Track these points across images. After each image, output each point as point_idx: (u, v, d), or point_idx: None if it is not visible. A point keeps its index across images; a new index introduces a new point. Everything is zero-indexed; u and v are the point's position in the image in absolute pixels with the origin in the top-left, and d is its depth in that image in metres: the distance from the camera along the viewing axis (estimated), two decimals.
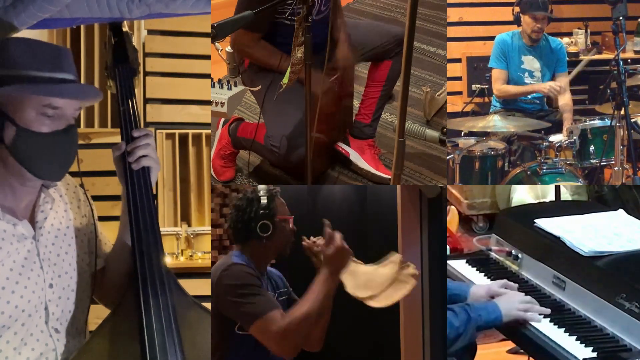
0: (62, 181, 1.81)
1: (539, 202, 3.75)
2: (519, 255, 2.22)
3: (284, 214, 2.22)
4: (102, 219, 1.94)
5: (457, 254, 3.29)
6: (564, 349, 1.77)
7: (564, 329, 1.85)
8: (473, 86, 4.33)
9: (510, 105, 3.81)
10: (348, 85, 3.16)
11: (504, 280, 2.11)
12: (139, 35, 4.05)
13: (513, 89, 3.77)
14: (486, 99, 4.14)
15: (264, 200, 2.18)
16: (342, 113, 3.17)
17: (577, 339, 1.79)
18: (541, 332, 1.86)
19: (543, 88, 3.70)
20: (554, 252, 2.08)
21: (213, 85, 2.67)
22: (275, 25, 2.72)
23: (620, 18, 2.87)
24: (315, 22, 2.10)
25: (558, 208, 2.70)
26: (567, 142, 3.28)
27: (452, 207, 4.49)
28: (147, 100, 4.05)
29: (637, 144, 3.10)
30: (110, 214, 2.42)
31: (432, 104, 3.74)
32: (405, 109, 1.98)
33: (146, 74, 4.06)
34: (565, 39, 4.47)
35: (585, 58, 4.43)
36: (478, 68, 4.46)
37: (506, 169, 3.31)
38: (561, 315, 1.92)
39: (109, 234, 1.92)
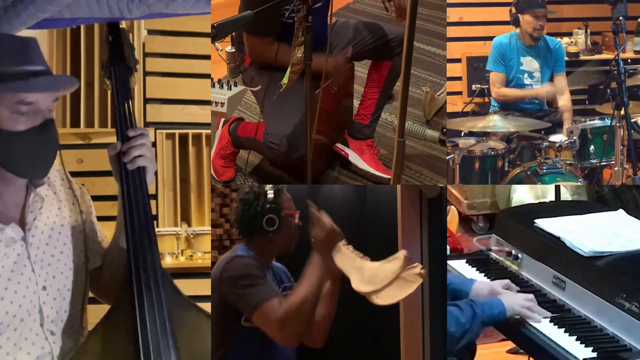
0: (58, 178, 1.78)
1: (539, 202, 3.75)
2: (519, 255, 2.22)
3: (291, 209, 2.21)
4: (102, 218, 1.94)
5: (457, 254, 3.28)
6: (564, 349, 1.77)
7: (564, 329, 1.85)
8: (473, 86, 4.32)
9: (510, 106, 3.80)
10: (348, 85, 3.16)
11: (507, 281, 2.10)
12: (139, 35, 4.05)
13: (511, 93, 3.76)
14: (486, 99, 4.13)
15: (270, 195, 2.16)
16: (342, 113, 3.17)
17: (577, 339, 1.79)
18: (541, 332, 1.86)
19: (541, 93, 3.70)
20: (554, 252, 2.08)
21: (213, 85, 2.67)
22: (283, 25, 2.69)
23: (620, 18, 2.87)
24: (315, 10, 2.09)
25: (558, 208, 2.70)
26: (567, 142, 3.27)
27: (452, 207, 4.49)
28: (147, 100, 4.05)
29: (637, 144, 3.11)
30: (110, 214, 2.40)
31: (432, 104, 3.74)
32: (405, 109, 1.98)
33: (146, 74, 4.06)
34: (565, 39, 4.48)
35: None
36: (478, 68, 4.47)
37: (506, 169, 3.31)
38: (561, 315, 1.92)
39: (108, 234, 1.90)
